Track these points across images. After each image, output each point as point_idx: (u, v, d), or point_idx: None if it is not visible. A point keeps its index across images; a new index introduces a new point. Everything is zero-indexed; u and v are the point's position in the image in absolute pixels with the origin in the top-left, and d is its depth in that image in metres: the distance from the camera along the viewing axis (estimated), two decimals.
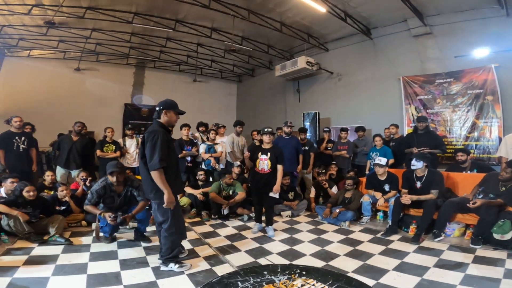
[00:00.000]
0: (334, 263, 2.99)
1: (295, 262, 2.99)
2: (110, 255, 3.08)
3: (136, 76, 10.23)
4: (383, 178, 4.42)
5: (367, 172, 5.47)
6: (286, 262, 3.01)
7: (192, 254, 3.20)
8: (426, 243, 3.47)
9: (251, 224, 4.34)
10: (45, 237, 3.35)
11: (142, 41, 8.45)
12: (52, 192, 4.32)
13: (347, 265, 2.93)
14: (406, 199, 3.77)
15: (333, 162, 5.61)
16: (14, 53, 8.55)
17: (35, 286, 2.35)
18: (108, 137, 5.45)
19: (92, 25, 7.43)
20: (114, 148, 5.43)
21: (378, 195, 4.32)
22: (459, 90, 6.14)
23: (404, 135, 6.03)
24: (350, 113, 7.86)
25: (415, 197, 3.78)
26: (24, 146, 4.82)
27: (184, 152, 5.20)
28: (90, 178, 4.60)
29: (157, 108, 2.72)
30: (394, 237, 3.72)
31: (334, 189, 5.06)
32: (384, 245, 3.48)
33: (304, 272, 2.69)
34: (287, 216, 4.71)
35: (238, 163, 5.34)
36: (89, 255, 3.06)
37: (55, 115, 8.34)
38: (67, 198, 4.07)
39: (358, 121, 7.37)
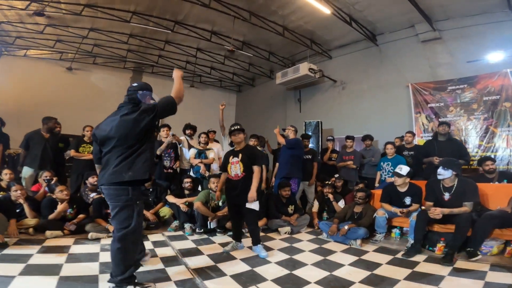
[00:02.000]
0: None
1: None
2: (48, 270, 2.24)
3: (133, 81, 9.40)
4: (403, 189, 3.60)
5: (376, 184, 4.66)
6: None
7: (162, 275, 2.35)
8: (461, 264, 2.72)
9: (242, 240, 3.45)
10: None
11: (141, 43, 7.90)
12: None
13: None
14: (437, 212, 2.96)
15: (335, 175, 4.78)
16: (11, 52, 7.99)
17: None
18: (87, 137, 4.66)
19: (90, 24, 6.95)
20: (91, 149, 4.64)
21: (398, 211, 3.48)
22: (473, 96, 5.50)
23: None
24: (355, 123, 7.13)
25: (447, 210, 2.98)
26: None
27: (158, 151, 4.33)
28: (55, 178, 3.79)
29: (141, 92, 2.23)
30: (419, 258, 2.93)
31: (341, 203, 4.22)
32: (408, 267, 2.68)
33: None
34: (285, 233, 3.83)
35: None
36: (24, 268, 2.23)
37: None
38: (21, 200, 3.25)
39: (363, 131, 6.60)
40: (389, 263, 2.85)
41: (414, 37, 6.25)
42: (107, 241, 3.09)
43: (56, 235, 3.13)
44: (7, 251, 2.56)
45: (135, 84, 2.30)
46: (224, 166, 3.17)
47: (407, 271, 2.61)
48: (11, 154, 5.55)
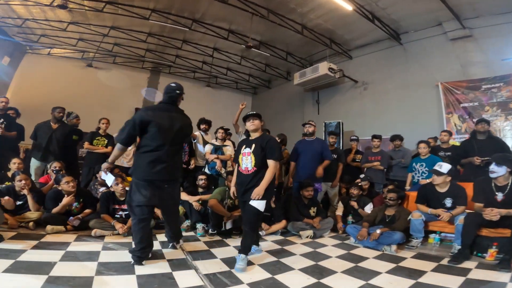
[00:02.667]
0: None
1: None
2: (39, 268, 1.90)
3: (150, 81, 9.50)
4: (443, 190, 3.08)
5: (407, 187, 4.13)
6: None
7: (167, 280, 1.97)
8: None
9: (260, 244, 3.04)
10: None
11: (159, 42, 7.78)
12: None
13: None
14: (494, 213, 2.48)
15: (360, 176, 4.28)
16: (35, 50, 8.11)
17: None
18: (102, 129, 4.44)
19: (111, 22, 6.92)
20: (106, 142, 4.40)
21: (440, 212, 2.97)
22: (510, 95, 5.01)
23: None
24: (378, 125, 6.61)
25: (504, 211, 2.51)
26: (1, 129, 3.85)
27: None
28: (63, 171, 3.53)
29: (178, 92, 2.45)
30: (469, 264, 2.51)
31: (369, 207, 3.72)
32: (460, 275, 2.25)
33: None
34: (307, 237, 3.36)
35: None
36: (10, 265, 1.90)
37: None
38: (25, 191, 2.99)
39: (388, 133, 6.15)
40: (434, 270, 2.40)
41: (442, 35, 5.88)
42: (111, 239, 2.76)
43: (58, 230, 2.82)
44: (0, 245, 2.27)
45: (173, 84, 2.46)
46: (236, 157, 2.70)
47: (459, 279, 2.17)
48: (29, 150, 5.43)
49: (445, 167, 3.06)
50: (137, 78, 9.16)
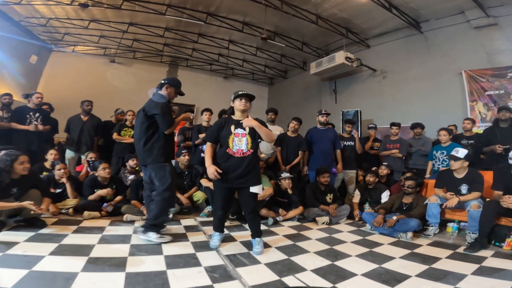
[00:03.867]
0: (404, 287, 1.82)
1: (341, 285, 1.85)
2: (80, 250, 2.15)
3: (169, 75, 9.76)
4: (460, 175, 3.07)
5: (427, 175, 4.10)
6: (327, 284, 1.86)
7: (191, 260, 2.17)
8: None
9: (277, 229, 3.21)
10: None
11: (176, 37, 7.99)
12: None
13: None
14: (511, 201, 2.44)
15: (384, 163, 4.30)
16: (60, 49, 8.57)
17: None
18: (129, 121, 4.74)
19: (129, 18, 7.20)
20: (132, 133, 4.69)
21: (448, 196, 2.97)
22: None
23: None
24: (398, 113, 6.49)
25: None
26: (36, 123, 4.21)
27: (201, 136, 4.15)
28: (96, 161, 3.83)
29: (162, 81, 2.72)
30: (484, 253, 2.51)
31: (386, 194, 3.75)
32: (474, 262, 2.28)
33: None
34: (323, 223, 3.48)
35: (264, 155, 4.28)
36: (56, 247, 2.16)
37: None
38: (64, 180, 3.30)
39: (408, 122, 6.06)
40: (449, 257, 2.44)
41: (465, 23, 5.73)
42: (140, 224, 2.99)
43: (93, 216, 3.12)
44: (44, 230, 2.55)
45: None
46: (216, 136, 2.45)
47: (473, 266, 2.21)
48: (61, 142, 5.86)
49: (461, 152, 3.04)
50: (156, 72, 9.46)
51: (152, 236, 2.45)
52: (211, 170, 2.34)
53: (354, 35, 7.22)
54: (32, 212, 2.45)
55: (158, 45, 8.57)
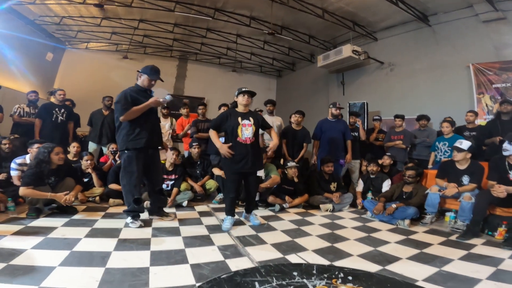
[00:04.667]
0: (393, 267, 2.05)
1: (338, 263, 2.10)
2: (110, 233, 2.48)
3: (179, 69, 10.05)
4: (462, 167, 3.24)
5: (430, 166, 4.27)
6: (325, 262, 2.12)
7: (206, 240, 2.47)
8: None
9: (283, 215, 3.48)
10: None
11: (184, 32, 8.20)
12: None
13: (415, 271, 1.98)
14: (501, 190, 2.64)
15: (387, 154, 4.49)
16: (74, 46, 8.93)
17: (5, 258, 1.81)
18: None
19: (139, 15, 7.43)
20: None
21: (450, 186, 3.14)
22: None
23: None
24: (405, 105, 6.58)
25: None
26: (62, 118, 4.58)
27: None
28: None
29: (137, 71, 2.87)
30: (476, 241, 2.69)
31: (387, 183, 3.96)
32: (464, 249, 2.48)
33: (350, 278, 1.80)
34: (327, 210, 3.74)
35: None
36: (89, 231, 2.49)
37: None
38: (89, 170, 3.65)
39: (415, 114, 6.17)
40: (441, 244, 2.64)
41: (473, 17, 5.71)
42: None
43: (118, 203, 3.44)
44: (76, 216, 2.91)
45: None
46: (219, 125, 2.88)
47: (462, 252, 2.40)
48: (80, 136, 6.26)
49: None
50: (167, 66, 9.73)
51: (128, 220, 2.71)
52: (224, 148, 2.78)
53: (361, 28, 7.25)
54: (62, 202, 2.77)
55: (167, 40, 8.80)
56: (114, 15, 7.34)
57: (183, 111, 5.33)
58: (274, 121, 4.81)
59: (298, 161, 4.28)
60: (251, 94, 2.89)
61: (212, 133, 2.91)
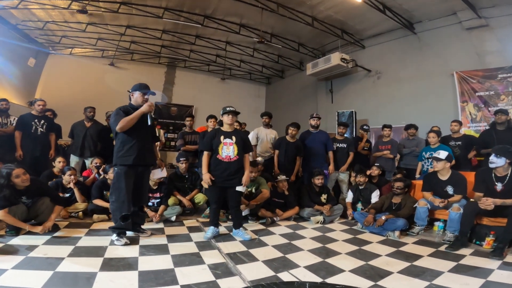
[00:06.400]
0: (385, 283, 2.07)
1: (330, 280, 2.10)
2: (95, 252, 2.40)
3: (167, 76, 10.01)
4: (444, 177, 3.34)
5: (417, 175, 4.38)
6: (318, 279, 2.12)
7: (196, 258, 2.43)
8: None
9: (274, 228, 3.47)
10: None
11: (173, 39, 8.21)
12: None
13: (405, 285, 2.02)
14: (488, 203, 2.72)
15: (376, 164, 4.56)
16: (58, 51, 8.73)
17: None
18: None
19: (126, 21, 7.38)
20: None
21: (437, 201, 3.24)
22: None
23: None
24: (392, 113, 6.77)
25: (499, 201, 2.72)
26: (42, 130, 4.43)
27: None
28: (104, 165, 4.05)
29: (128, 91, 2.88)
30: (464, 251, 2.75)
31: (376, 194, 4.02)
32: (453, 260, 2.52)
33: None
34: (318, 223, 3.76)
35: (260, 159, 4.54)
36: (73, 250, 2.40)
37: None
38: (71, 185, 3.53)
39: (401, 122, 6.35)
40: (431, 255, 2.68)
41: (457, 24, 5.93)
42: (146, 226, 3.22)
43: (102, 218, 3.33)
44: (58, 233, 2.79)
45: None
46: (210, 145, 3.02)
47: (451, 264, 2.45)
48: (62, 145, 6.07)
49: (442, 153, 3.30)
50: (155, 73, 9.68)
51: (113, 237, 2.64)
52: (206, 177, 2.97)
53: (350, 36, 7.45)
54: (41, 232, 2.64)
55: (155, 47, 8.76)
56: (100, 20, 7.25)
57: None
58: (269, 133, 4.83)
59: (289, 172, 4.28)
60: (235, 113, 3.07)
61: (204, 157, 3.05)
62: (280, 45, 7.92)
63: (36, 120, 4.39)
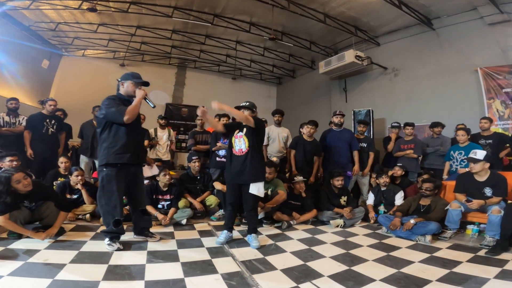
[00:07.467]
0: None
1: None
2: (99, 258, 2.20)
3: (178, 76, 9.88)
4: (482, 178, 3.02)
5: (445, 176, 4.04)
6: None
7: (208, 266, 2.19)
8: None
9: (291, 233, 3.21)
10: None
11: (183, 39, 8.06)
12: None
13: None
14: None
15: (398, 164, 4.23)
16: (71, 53, 8.72)
17: None
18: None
19: (136, 21, 7.29)
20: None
21: (475, 203, 2.90)
22: None
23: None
24: (411, 112, 6.40)
25: None
26: (53, 130, 4.33)
27: (218, 144, 4.18)
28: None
29: (117, 80, 2.65)
30: (507, 256, 2.46)
31: (400, 196, 3.70)
32: (496, 266, 2.26)
33: None
34: (338, 226, 3.47)
35: (275, 159, 4.28)
36: (76, 255, 2.21)
37: None
38: (79, 186, 3.37)
39: (422, 121, 6.03)
40: (470, 261, 2.40)
41: (478, 20, 5.60)
42: (154, 229, 3.02)
43: None
44: (63, 237, 2.62)
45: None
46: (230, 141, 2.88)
47: (495, 270, 2.18)
48: (74, 146, 5.99)
49: (480, 153, 2.99)
50: (165, 74, 9.59)
51: (105, 241, 2.41)
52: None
53: (363, 33, 7.13)
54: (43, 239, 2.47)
55: (166, 47, 8.65)
56: (110, 21, 7.19)
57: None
58: (281, 132, 4.56)
59: (306, 173, 4.00)
60: (247, 108, 2.85)
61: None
62: (292, 44, 7.66)
63: (47, 120, 4.30)
